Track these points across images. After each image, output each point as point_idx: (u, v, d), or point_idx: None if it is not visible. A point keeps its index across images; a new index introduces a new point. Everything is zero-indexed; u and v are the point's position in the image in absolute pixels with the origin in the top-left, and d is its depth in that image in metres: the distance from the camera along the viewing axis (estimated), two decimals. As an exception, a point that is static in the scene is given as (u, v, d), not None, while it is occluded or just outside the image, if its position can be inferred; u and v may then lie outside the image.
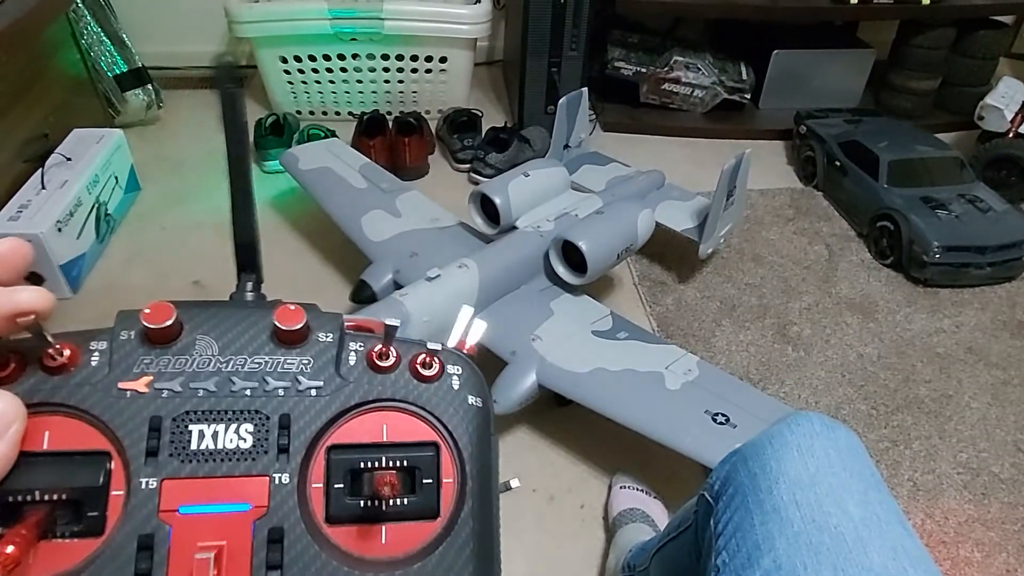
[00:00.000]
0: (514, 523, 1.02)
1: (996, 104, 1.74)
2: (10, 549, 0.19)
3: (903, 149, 1.61)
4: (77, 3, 1.64)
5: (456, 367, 0.26)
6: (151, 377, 0.23)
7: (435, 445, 0.24)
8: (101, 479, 0.22)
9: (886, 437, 1.17)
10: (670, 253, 1.51)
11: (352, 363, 0.25)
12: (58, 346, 0.23)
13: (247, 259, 0.29)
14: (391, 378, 0.25)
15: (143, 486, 0.22)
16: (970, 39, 1.95)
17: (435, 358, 0.26)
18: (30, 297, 0.22)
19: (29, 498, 0.21)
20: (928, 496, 1.08)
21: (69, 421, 0.22)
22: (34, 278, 1.29)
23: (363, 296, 1.15)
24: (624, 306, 1.38)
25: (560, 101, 1.41)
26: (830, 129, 1.76)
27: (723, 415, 0.95)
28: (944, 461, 1.14)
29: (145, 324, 0.23)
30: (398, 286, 1.12)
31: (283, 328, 0.24)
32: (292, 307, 0.25)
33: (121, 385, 0.23)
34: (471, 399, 0.26)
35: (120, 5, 1.78)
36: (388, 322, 0.25)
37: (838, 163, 1.69)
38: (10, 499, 0.21)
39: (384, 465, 0.24)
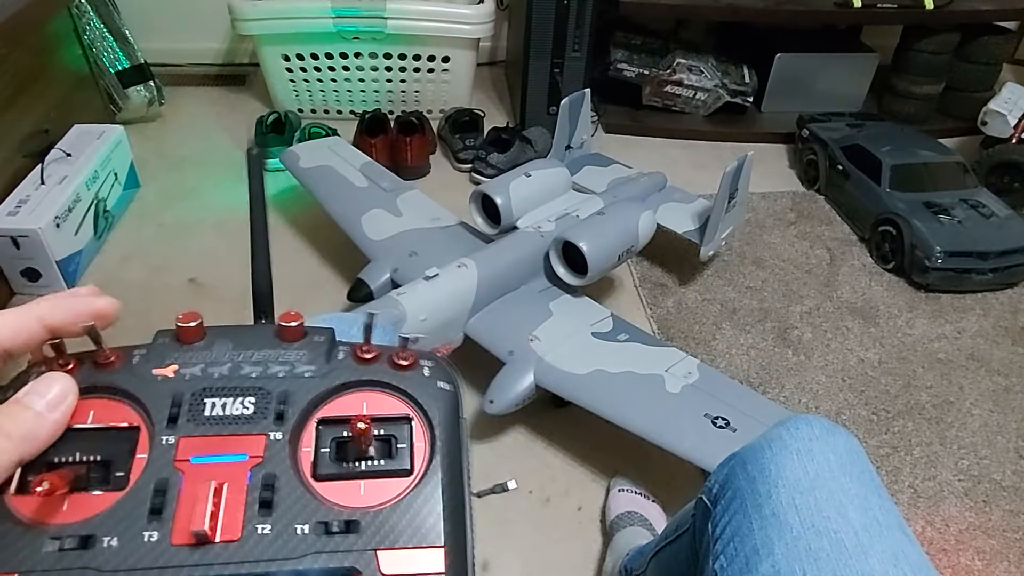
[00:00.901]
0: (510, 525, 1.01)
1: (999, 110, 1.73)
2: (45, 485, 0.24)
3: (906, 154, 1.60)
4: (80, -1, 1.64)
5: (428, 361, 0.31)
6: (177, 365, 0.29)
7: (408, 417, 0.29)
8: (130, 445, 0.27)
9: (887, 443, 1.16)
10: (671, 255, 1.50)
11: (340, 357, 0.30)
12: (107, 349, 0.29)
13: (263, 305, 0.36)
14: (373, 367, 0.30)
15: (163, 442, 0.27)
16: (974, 44, 1.95)
17: (410, 353, 0.30)
18: (106, 304, 0.30)
19: (71, 459, 0.26)
20: (929, 503, 1.08)
21: (110, 403, 0.28)
22: (30, 274, 1.29)
23: (360, 295, 1.14)
24: (624, 308, 1.38)
25: (562, 102, 1.41)
26: (833, 133, 1.75)
27: (723, 419, 0.94)
28: (945, 468, 1.13)
29: (177, 324, 0.29)
30: (396, 285, 1.11)
31: (284, 325, 0.30)
32: (292, 312, 0.31)
33: (154, 371, 0.29)
34: (440, 383, 0.30)
35: (123, 1, 1.78)
36: (366, 321, 0.30)
37: (840, 167, 1.68)
38: (55, 460, 0.26)
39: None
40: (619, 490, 1.02)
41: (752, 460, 0.49)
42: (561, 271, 1.16)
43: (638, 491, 1.01)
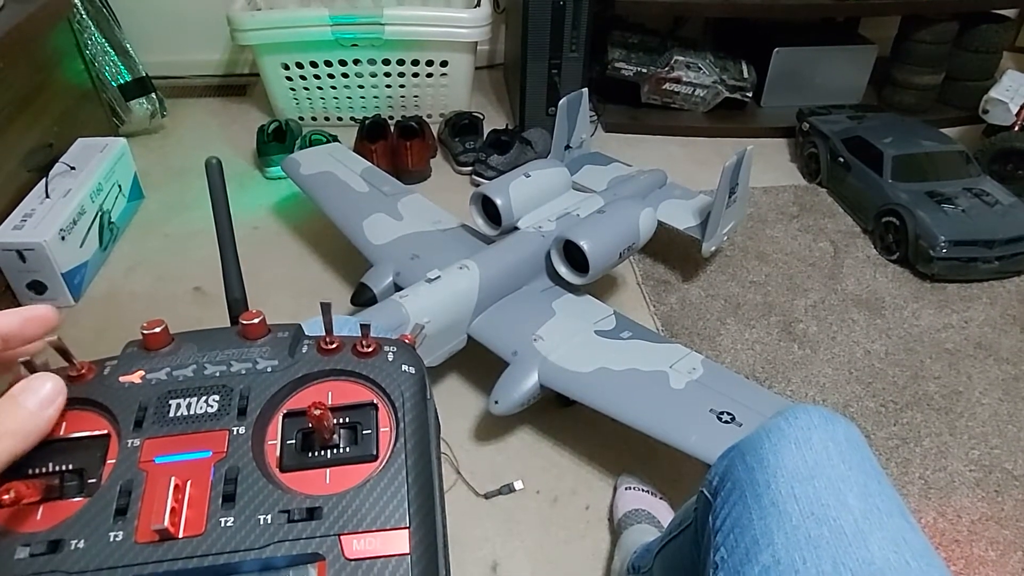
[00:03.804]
0: (518, 525, 1.01)
1: (1000, 97, 1.72)
2: (12, 493, 0.25)
3: (907, 144, 1.60)
4: (81, 14, 1.65)
5: (391, 347, 0.31)
6: (144, 371, 0.30)
7: (373, 404, 0.29)
8: (100, 454, 0.28)
9: (896, 435, 1.16)
10: (673, 252, 1.50)
11: (304, 351, 0.31)
12: (78, 363, 0.30)
13: (238, 310, 0.36)
14: (336, 357, 0.31)
15: (128, 445, 0.28)
16: (972, 33, 1.94)
17: (372, 340, 0.31)
18: (44, 308, 0.31)
19: (44, 470, 0.27)
20: (940, 494, 1.07)
21: (81, 413, 0.29)
22: (37, 287, 1.30)
23: (363, 299, 1.15)
24: (628, 305, 1.38)
25: (560, 102, 1.41)
26: (833, 126, 1.75)
27: (729, 414, 0.94)
28: (955, 458, 1.12)
29: (143, 331, 0.30)
30: (399, 288, 1.12)
31: (245, 323, 0.31)
32: (254, 311, 0.32)
33: (121, 379, 0.29)
34: (404, 367, 0.31)
35: (124, 15, 1.79)
36: (323, 303, 0.31)
37: (842, 159, 1.68)
38: (30, 471, 0.27)
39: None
40: (626, 488, 1.02)
41: (751, 451, 0.48)
42: (563, 270, 1.16)
43: (645, 489, 1.01)
